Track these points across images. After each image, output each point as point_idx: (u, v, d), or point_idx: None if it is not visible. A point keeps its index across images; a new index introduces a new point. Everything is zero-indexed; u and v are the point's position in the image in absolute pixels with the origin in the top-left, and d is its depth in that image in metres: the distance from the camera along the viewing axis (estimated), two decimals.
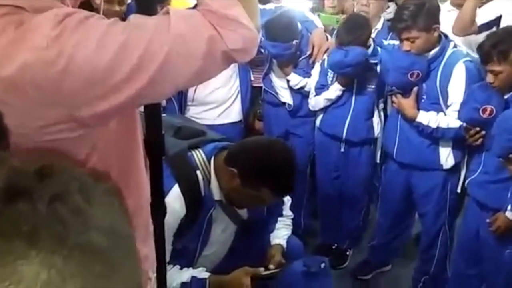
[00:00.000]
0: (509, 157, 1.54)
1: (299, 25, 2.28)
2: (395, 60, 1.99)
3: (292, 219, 1.70)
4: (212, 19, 0.68)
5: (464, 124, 1.81)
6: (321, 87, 2.26)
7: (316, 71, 2.29)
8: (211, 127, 2.02)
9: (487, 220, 1.72)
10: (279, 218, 1.65)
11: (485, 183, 1.75)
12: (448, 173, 2.00)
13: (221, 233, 1.47)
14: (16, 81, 0.63)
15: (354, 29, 2.09)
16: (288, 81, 2.35)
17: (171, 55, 0.66)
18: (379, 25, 2.42)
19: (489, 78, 1.68)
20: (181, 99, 2.25)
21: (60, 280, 0.32)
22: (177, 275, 1.37)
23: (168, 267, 1.35)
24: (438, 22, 1.90)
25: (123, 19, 0.71)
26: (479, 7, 2.17)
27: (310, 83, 2.31)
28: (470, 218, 1.88)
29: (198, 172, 1.37)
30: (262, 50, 2.29)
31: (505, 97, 1.70)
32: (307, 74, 2.33)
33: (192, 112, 2.30)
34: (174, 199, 1.31)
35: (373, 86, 2.22)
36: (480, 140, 1.78)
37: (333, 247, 2.51)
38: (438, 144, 1.98)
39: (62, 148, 0.67)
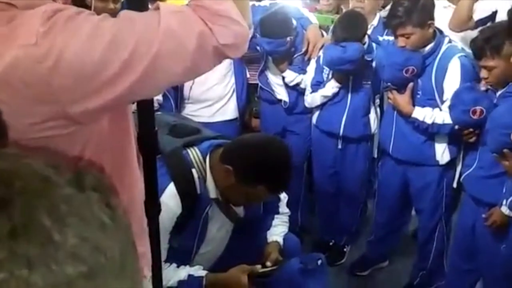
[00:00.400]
0: (503, 152, 1.55)
1: (294, 22, 2.28)
2: (390, 56, 1.99)
3: (289, 216, 1.70)
4: (203, 15, 0.68)
5: (457, 127, 1.82)
6: (317, 84, 2.26)
7: (311, 67, 2.29)
8: (208, 124, 2.02)
9: (483, 215, 1.72)
10: (276, 215, 1.65)
11: (480, 178, 1.76)
12: (444, 168, 2.01)
13: (218, 231, 1.47)
14: (6, 78, 0.62)
15: (350, 26, 2.09)
16: (283, 78, 2.35)
17: (161, 50, 0.65)
18: (375, 22, 2.42)
19: (483, 73, 1.68)
20: (177, 97, 2.25)
21: None
22: (174, 273, 1.37)
23: (165, 266, 1.35)
24: (432, 18, 1.90)
25: None
26: (476, 1, 2.17)
27: (306, 79, 2.30)
28: (466, 213, 1.89)
29: (193, 170, 1.36)
30: (258, 47, 2.29)
31: (498, 92, 1.70)
32: (302, 70, 2.33)
33: (188, 110, 2.29)
34: (170, 198, 1.30)
35: (369, 83, 2.22)
36: (474, 138, 1.79)
37: (331, 244, 2.51)
38: (434, 140, 1.98)
39: (54, 145, 0.67)
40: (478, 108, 1.70)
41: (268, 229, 1.60)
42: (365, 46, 2.11)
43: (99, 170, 0.55)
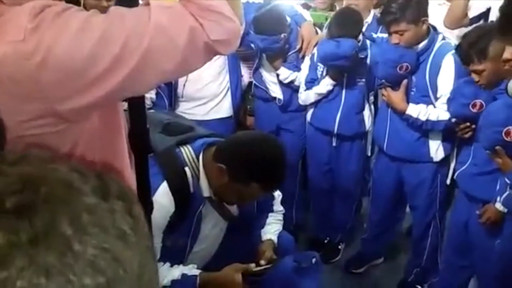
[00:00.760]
0: (495, 149, 1.55)
1: (288, 19, 2.27)
2: (384, 53, 1.99)
3: (284, 214, 1.70)
4: (194, 10, 0.68)
5: (454, 120, 1.82)
6: (311, 81, 2.25)
7: (305, 65, 2.29)
8: (202, 122, 2.01)
9: (477, 212, 1.73)
10: (270, 214, 1.64)
11: (474, 175, 1.76)
12: (438, 165, 2.01)
13: (211, 229, 1.46)
14: None
15: (345, 23, 2.09)
16: (278, 75, 2.34)
17: (152, 46, 0.65)
18: (369, 19, 2.41)
19: (474, 77, 1.69)
20: (171, 95, 2.24)
21: None
22: (167, 272, 1.36)
23: (159, 265, 1.34)
24: (426, 15, 1.90)
25: None
26: None
27: (300, 77, 2.30)
28: (460, 210, 1.90)
29: (186, 168, 1.35)
30: (252, 45, 2.28)
31: (495, 88, 1.71)
32: (296, 68, 2.32)
33: (183, 108, 2.28)
34: (163, 196, 1.30)
35: (363, 80, 2.22)
36: (470, 133, 1.79)
37: (325, 241, 2.51)
38: (428, 137, 1.98)
39: (45, 142, 0.66)
40: (478, 101, 1.70)
41: (262, 227, 1.60)
42: (359, 43, 2.11)
43: (90, 166, 0.54)
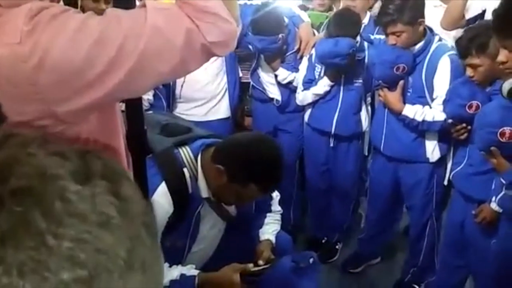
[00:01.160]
0: (490, 150, 1.56)
1: (286, 20, 2.28)
2: (381, 54, 2.00)
3: (281, 214, 1.71)
4: (190, 12, 0.68)
5: (450, 121, 1.83)
6: (308, 82, 2.26)
7: (303, 65, 2.29)
8: (200, 123, 2.01)
9: (473, 212, 1.74)
10: (268, 214, 1.65)
11: (470, 175, 1.78)
12: (434, 165, 2.03)
13: (210, 230, 1.47)
14: None
15: (344, 23, 2.10)
16: (276, 76, 2.35)
17: (148, 47, 0.65)
18: (365, 20, 2.43)
19: (469, 71, 1.69)
20: (169, 96, 2.24)
21: None
22: (166, 272, 1.37)
23: None
24: (423, 16, 1.91)
25: None
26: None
27: (298, 77, 2.31)
28: (456, 210, 1.91)
29: (185, 169, 1.36)
30: (250, 46, 2.28)
31: (489, 88, 1.72)
32: (294, 69, 2.33)
33: (181, 109, 2.29)
34: (161, 197, 1.30)
35: (360, 81, 2.23)
36: (465, 134, 1.80)
37: (323, 241, 2.52)
38: (424, 137, 2.00)
39: None
40: (474, 102, 1.71)
41: (261, 227, 1.60)
42: (357, 44, 2.12)
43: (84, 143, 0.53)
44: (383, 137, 2.10)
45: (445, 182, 2.01)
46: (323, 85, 2.22)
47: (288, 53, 2.33)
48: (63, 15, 0.64)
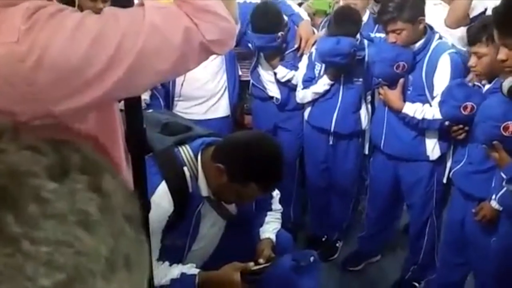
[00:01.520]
0: (493, 144, 1.56)
1: (285, 17, 2.28)
2: (381, 52, 2.00)
3: (282, 212, 1.71)
4: (189, 11, 0.68)
5: (447, 122, 1.83)
6: (308, 80, 2.26)
7: (303, 63, 2.29)
8: (200, 122, 2.01)
9: (473, 210, 1.74)
10: (269, 212, 1.65)
11: (469, 174, 1.78)
12: (434, 164, 2.03)
13: (210, 228, 1.47)
14: None
15: (344, 21, 2.10)
16: (275, 74, 2.34)
17: (147, 46, 0.65)
18: (364, 18, 2.42)
19: (472, 60, 1.68)
20: (167, 95, 2.24)
21: None
22: (166, 271, 1.37)
23: (158, 264, 1.35)
24: (423, 14, 1.91)
25: None
26: None
27: (297, 76, 2.30)
28: (456, 208, 1.91)
29: (185, 168, 1.36)
30: (250, 44, 2.28)
31: (485, 88, 1.72)
32: (294, 67, 2.33)
33: (181, 107, 2.28)
34: (162, 196, 1.30)
35: (360, 80, 2.23)
36: (463, 135, 1.80)
37: (323, 239, 2.53)
38: (424, 136, 2.00)
39: None
40: (469, 104, 1.71)
41: (261, 226, 1.60)
42: (357, 42, 2.12)
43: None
44: (383, 135, 2.10)
45: (444, 180, 2.02)
46: (323, 84, 2.21)
47: (288, 51, 2.32)
48: (61, 13, 0.64)
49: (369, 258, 2.42)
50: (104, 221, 0.31)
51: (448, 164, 1.96)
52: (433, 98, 1.93)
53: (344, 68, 2.16)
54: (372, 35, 2.23)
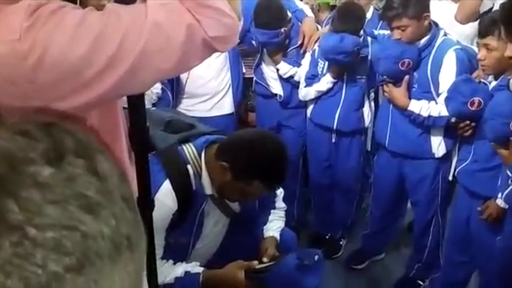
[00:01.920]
0: (502, 141, 1.54)
1: (289, 13, 2.26)
2: (385, 49, 1.98)
3: (285, 210, 1.70)
4: (191, 7, 0.67)
5: (453, 119, 1.81)
6: (311, 77, 2.25)
7: (306, 60, 2.28)
8: (204, 119, 2.00)
9: (478, 208, 1.73)
10: (272, 210, 1.64)
11: (475, 172, 1.76)
12: (440, 161, 2.01)
13: (214, 226, 1.47)
14: None
15: (348, 18, 2.08)
16: (278, 70, 2.33)
17: (149, 44, 0.64)
18: (368, 15, 2.41)
19: (482, 53, 1.65)
20: (173, 90, 2.23)
21: None
22: (170, 270, 1.36)
23: (162, 262, 1.34)
24: (428, 10, 1.89)
25: None
26: None
27: (300, 72, 2.29)
28: (461, 206, 1.90)
29: (189, 166, 1.35)
30: (253, 41, 2.27)
31: (493, 84, 1.70)
32: (297, 64, 2.32)
33: (185, 104, 2.28)
34: (165, 194, 1.29)
35: (363, 77, 2.21)
36: (470, 131, 1.78)
37: (327, 237, 2.52)
38: (430, 133, 1.98)
39: None
40: (476, 99, 1.69)
41: (265, 224, 1.60)
42: (361, 39, 2.10)
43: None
44: (388, 132, 2.08)
45: (450, 178, 2.00)
46: (326, 82, 2.20)
47: (291, 48, 2.31)
48: (62, 10, 0.63)
49: (373, 256, 2.41)
50: (105, 203, 0.31)
51: (454, 162, 1.95)
52: (438, 95, 1.91)
53: (348, 66, 2.15)
54: (376, 32, 2.21)
